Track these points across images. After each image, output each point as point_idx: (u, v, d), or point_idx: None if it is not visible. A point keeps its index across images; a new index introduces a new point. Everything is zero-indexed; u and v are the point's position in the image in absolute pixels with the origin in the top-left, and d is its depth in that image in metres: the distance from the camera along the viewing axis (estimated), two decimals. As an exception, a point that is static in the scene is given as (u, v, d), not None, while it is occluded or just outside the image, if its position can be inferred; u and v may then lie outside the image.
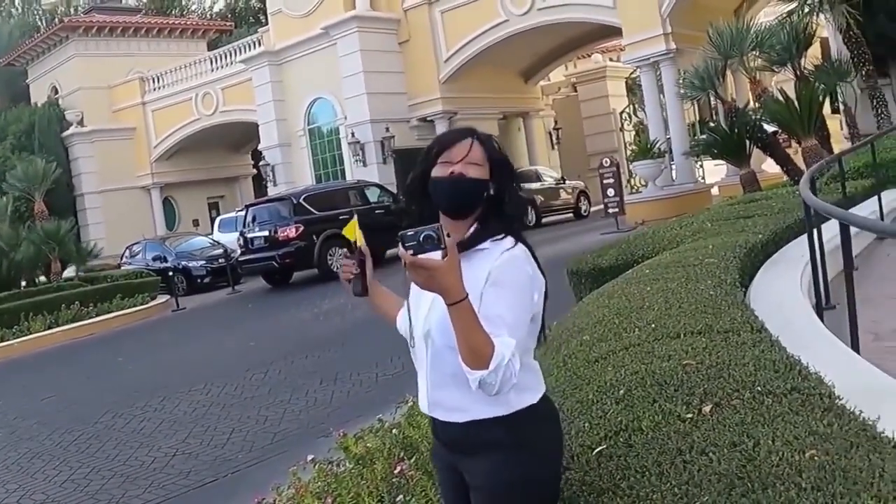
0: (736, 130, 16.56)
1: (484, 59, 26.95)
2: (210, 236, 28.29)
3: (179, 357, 13.39)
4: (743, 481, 2.16)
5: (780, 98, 16.00)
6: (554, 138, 33.66)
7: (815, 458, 2.21)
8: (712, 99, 18.66)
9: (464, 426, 2.28)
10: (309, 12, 28.08)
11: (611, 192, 21.86)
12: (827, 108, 18.25)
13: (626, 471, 2.47)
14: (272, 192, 28.13)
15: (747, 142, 16.56)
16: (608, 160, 22.73)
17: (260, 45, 30.36)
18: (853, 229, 5.39)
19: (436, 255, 1.99)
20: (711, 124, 19.78)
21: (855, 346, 4.91)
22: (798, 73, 16.58)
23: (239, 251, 21.44)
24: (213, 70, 33.78)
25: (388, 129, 26.82)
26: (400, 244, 2.02)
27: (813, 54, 18.50)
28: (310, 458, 4.59)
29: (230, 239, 24.51)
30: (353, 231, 2.64)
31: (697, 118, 24.78)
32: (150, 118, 36.15)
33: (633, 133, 28.83)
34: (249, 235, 20.58)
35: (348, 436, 4.74)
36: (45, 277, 24.24)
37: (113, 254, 29.73)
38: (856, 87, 17.76)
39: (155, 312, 20.44)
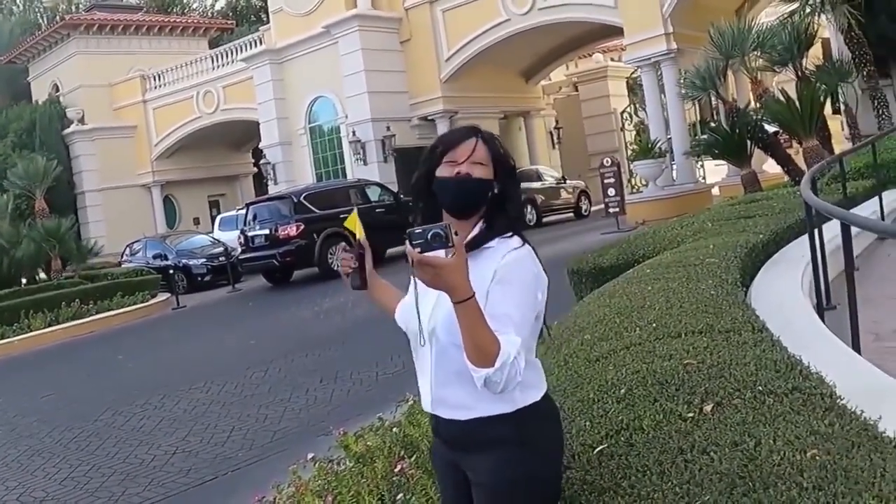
0: (737, 131, 16.55)
1: (485, 58, 26.94)
2: (210, 234, 28.30)
3: (180, 355, 13.39)
4: (744, 480, 2.16)
5: (782, 98, 15.98)
6: (555, 138, 33.67)
7: (817, 457, 2.21)
8: (713, 99, 18.66)
9: (467, 423, 2.28)
10: (310, 11, 28.07)
11: (611, 191, 21.85)
12: (828, 109, 18.24)
13: (627, 470, 2.47)
14: (273, 190, 28.11)
15: (748, 142, 16.55)
16: (609, 160, 22.72)
17: (261, 43, 30.34)
18: (854, 229, 5.39)
19: (440, 254, 1.99)
20: (712, 124, 19.75)
21: (856, 347, 4.90)
22: (799, 73, 16.57)
23: (239, 249, 21.44)
24: (214, 68, 33.76)
25: (388, 128, 26.81)
26: (407, 242, 2.02)
27: (814, 55, 18.49)
28: (310, 456, 4.58)
29: (230, 237, 24.51)
30: (353, 224, 2.63)
31: (698, 118, 24.75)
32: (150, 116, 36.14)
33: (634, 133, 28.80)
34: (250, 234, 20.58)
35: (348, 434, 4.74)
36: (46, 275, 24.24)
37: (113, 252, 29.74)
38: (857, 88, 17.76)
39: (155, 310, 20.44)
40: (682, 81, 19.64)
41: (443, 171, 2.35)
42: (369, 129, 26.82)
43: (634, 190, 24.83)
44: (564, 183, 29.13)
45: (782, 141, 17.48)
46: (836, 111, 21.88)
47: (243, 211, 23.41)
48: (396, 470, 3.99)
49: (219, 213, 33.94)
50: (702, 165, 24.39)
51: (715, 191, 23.69)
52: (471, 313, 2.02)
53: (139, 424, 8.71)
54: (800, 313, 5.40)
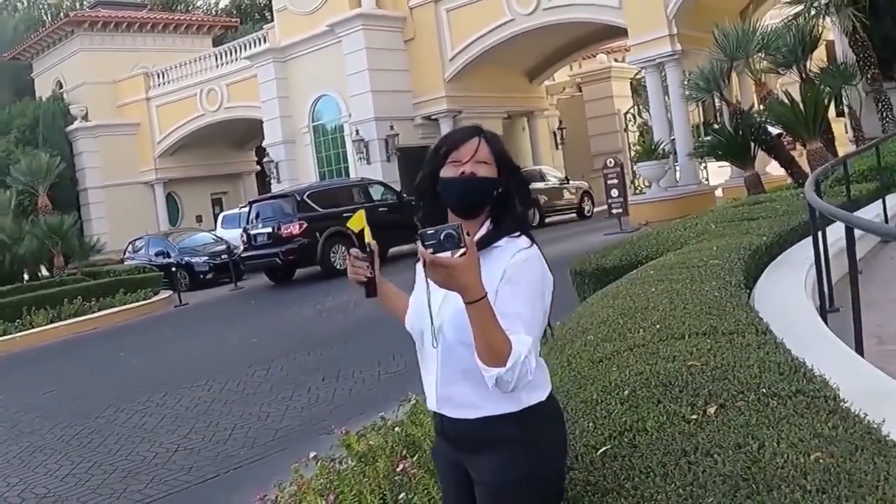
0: (740, 132, 16.52)
1: (489, 58, 26.95)
2: (213, 232, 28.33)
3: (182, 353, 13.40)
4: (748, 483, 2.16)
5: (786, 100, 15.96)
6: (558, 138, 33.70)
7: (821, 460, 2.21)
8: (717, 100, 18.67)
9: (473, 423, 2.28)
10: (314, 9, 28.10)
11: (614, 192, 21.84)
12: (832, 112, 18.23)
13: (630, 471, 2.47)
14: (276, 188, 28.16)
15: (752, 144, 16.52)
16: (612, 161, 22.71)
17: (265, 41, 30.38)
18: (857, 232, 5.38)
19: (445, 255, 1.99)
20: (716, 126, 19.73)
21: (859, 350, 4.90)
22: (803, 75, 16.58)
23: (242, 247, 21.46)
24: (217, 66, 33.81)
25: (392, 127, 26.84)
26: (419, 242, 2.02)
27: (818, 57, 18.49)
28: (312, 454, 4.58)
29: (233, 235, 24.53)
30: (357, 223, 2.56)
31: (702, 119, 24.74)
32: (154, 113, 36.20)
33: (638, 134, 28.81)
34: (253, 232, 20.60)
35: (350, 433, 4.74)
36: (48, 272, 24.26)
37: (116, 249, 29.78)
38: (861, 91, 17.76)
39: (157, 308, 20.46)
40: (685, 83, 19.63)
41: (447, 172, 2.35)
42: (373, 128, 26.84)
43: (637, 191, 24.86)
44: (567, 183, 29.14)
45: (786, 143, 17.47)
46: (839, 114, 21.86)
47: (246, 209, 23.44)
48: (398, 469, 3.99)
49: (221, 210, 33.98)
50: (705, 167, 24.38)
51: (718, 192, 23.67)
52: (483, 313, 2.03)
53: (141, 421, 8.72)
54: (803, 316, 5.40)
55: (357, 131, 26.94)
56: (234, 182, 39.20)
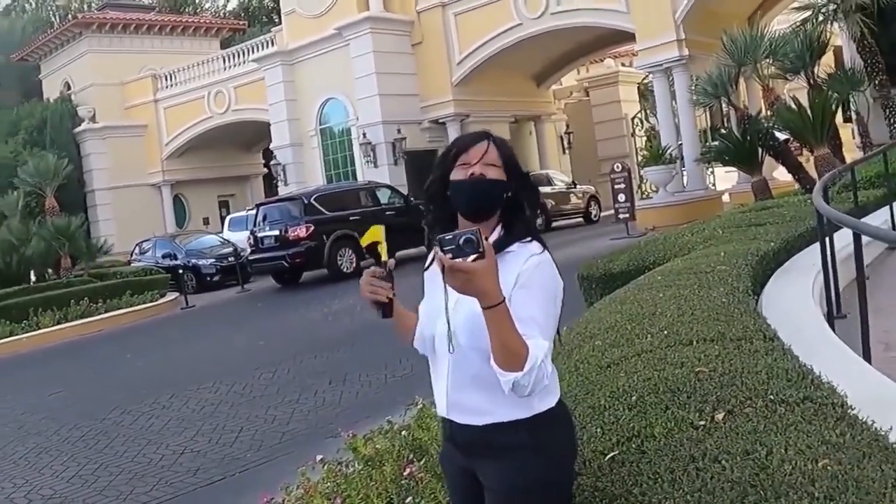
0: (748, 138, 16.51)
1: (496, 62, 26.95)
2: (220, 235, 28.34)
3: (188, 355, 13.42)
4: (756, 489, 2.16)
5: (793, 106, 15.96)
6: (565, 142, 33.66)
7: (828, 467, 2.21)
8: (724, 106, 18.66)
9: (483, 429, 2.28)
10: (322, 13, 28.11)
11: (621, 197, 21.84)
12: (839, 117, 18.22)
13: (638, 477, 2.47)
14: (283, 191, 28.18)
15: (759, 149, 16.51)
16: (619, 165, 22.72)
17: (273, 44, 30.39)
18: (865, 239, 5.38)
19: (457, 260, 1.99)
20: (723, 131, 19.72)
21: (866, 356, 4.89)
22: (811, 81, 16.55)
23: (249, 250, 21.49)
24: (225, 69, 33.85)
25: (399, 131, 26.84)
26: (437, 248, 2.02)
27: (826, 63, 18.45)
28: (318, 458, 4.59)
29: (240, 237, 24.58)
30: (373, 237, 2.50)
31: (709, 125, 24.75)
32: (161, 116, 36.24)
33: (645, 139, 28.82)
34: (260, 234, 20.63)
35: (357, 437, 4.74)
36: (55, 273, 24.31)
37: (123, 250, 29.84)
38: (869, 97, 17.72)
39: (164, 310, 20.50)
40: (693, 88, 19.63)
41: (457, 174, 2.36)
42: (380, 131, 26.83)
43: (644, 196, 24.83)
44: (574, 188, 29.09)
45: (793, 149, 17.49)
46: (847, 119, 21.86)
47: (253, 211, 23.47)
48: (405, 473, 4.00)
49: (228, 213, 34.01)
50: (712, 172, 24.38)
51: (725, 198, 23.64)
52: (502, 318, 2.03)
53: (147, 423, 8.74)
54: (810, 322, 5.39)
55: (364, 134, 26.94)
56: (241, 184, 39.22)
